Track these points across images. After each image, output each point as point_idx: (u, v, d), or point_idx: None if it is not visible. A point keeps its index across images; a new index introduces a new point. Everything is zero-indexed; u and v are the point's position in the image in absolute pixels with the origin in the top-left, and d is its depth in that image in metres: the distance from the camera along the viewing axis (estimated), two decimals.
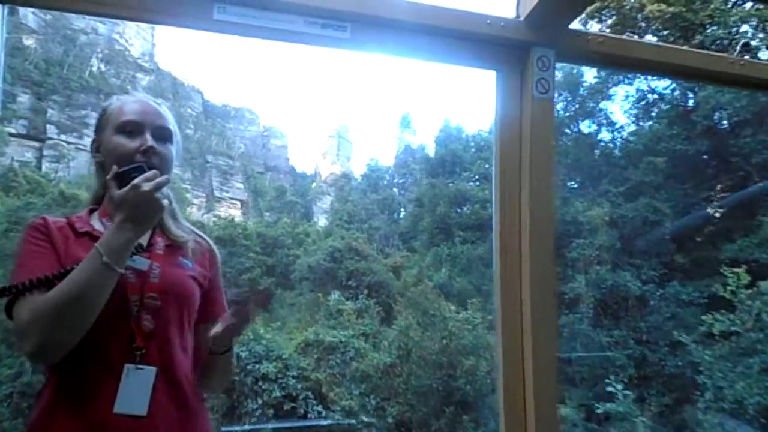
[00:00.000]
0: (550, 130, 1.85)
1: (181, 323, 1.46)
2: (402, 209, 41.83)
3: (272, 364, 13.64)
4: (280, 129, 71.51)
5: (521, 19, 1.79)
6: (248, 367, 13.23)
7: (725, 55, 1.92)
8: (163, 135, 1.51)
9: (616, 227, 16.45)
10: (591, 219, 16.66)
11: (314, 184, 63.85)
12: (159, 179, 1.33)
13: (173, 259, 1.51)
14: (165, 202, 1.37)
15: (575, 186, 21.36)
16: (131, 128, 1.47)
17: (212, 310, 1.60)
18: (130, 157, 1.43)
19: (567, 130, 21.95)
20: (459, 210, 29.47)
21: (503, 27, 1.78)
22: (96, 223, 1.49)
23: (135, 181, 1.31)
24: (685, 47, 1.90)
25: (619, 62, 1.91)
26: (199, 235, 1.66)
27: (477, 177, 31.74)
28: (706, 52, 1.92)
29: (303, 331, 19.27)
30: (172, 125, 1.56)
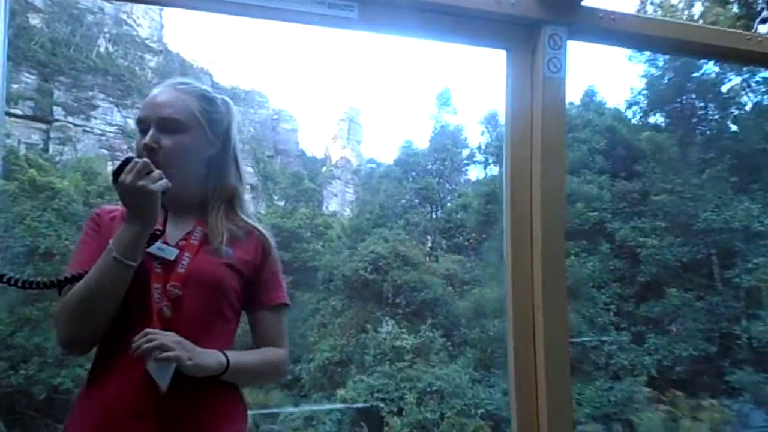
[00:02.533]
0: (562, 109, 1.87)
1: (209, 312, 1.49)
2: (447, 201, 36.64)
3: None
4: (290, 112, 71.48)
5: None
6: None
7: (742, 32, 1.91)
8: (167, 126, 1.49)
9: None
10: None
11: (324, 168, 63.83)
12: (138, 166, 1.34)
13: (209, 248, 1.53)
14: (162, 183, 1.37)
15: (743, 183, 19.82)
16: (142, 126, 1.51)
17: (260, 297, 1.62)
18: (141, 156, 1.44)
19: None
20: None
21: (513, 5, 1.79)
22: None
23: (120, 178, 1.33)
24: (699, 23, 1.90)
25: (633, 40, 1.93)
26: (251, 225, 1.66)
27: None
28: (721, 28, 1.92)
29: (344, 373, 17.14)
30: (186, 113, 1.53)
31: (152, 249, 1.44)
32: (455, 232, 31.97)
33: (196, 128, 1.54)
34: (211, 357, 1.41)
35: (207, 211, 1.58)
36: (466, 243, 31.00)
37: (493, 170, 36.36)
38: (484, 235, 27.71)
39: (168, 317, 1.42)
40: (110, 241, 1.35)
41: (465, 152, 38.17)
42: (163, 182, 1.37)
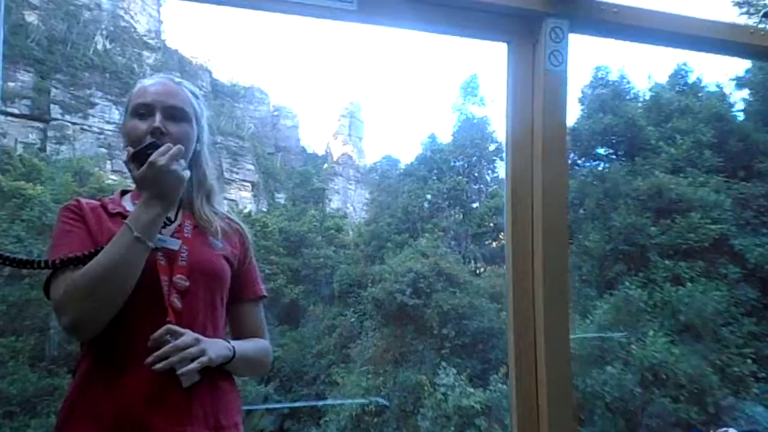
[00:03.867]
0: (564, 103, 1.87)
1: (211, 303, 1.55)
2: (477, 203, 32.46)
3: None
4: (291, 108, 71.56)
5: None
6: None
7: (745, 25, 1.91)
8: (174, 114, 1.56)
9: None
10: None
11: (326, 165, 63.88)
12: (173, 150, 1.40)
13: (202, 240, 1.59)
14: (187, 172, 1.45)
15: None
16: (143, 110, 1.55)
17: (243, 290, 1.69)
18: (141, 140, 1.49)
19: None
20: (654, 221, 16.66)
21: None
22: (128, 205, 1.58)
23: (151, 158, 1.38)
24: (703, 17, 1.90)
25: (635, 33, 1.92)
26: (230, 218, 1.73)
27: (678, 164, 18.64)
28: (725, 21, 1.92)
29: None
30: (189, 104, 1.62)
31: (157, 240, 1.46)
32: (489, 238, 29.25)
33: (192, 121, 1.62)
34: (221, 347, 1.48)
35: (192, 205, 1.64)
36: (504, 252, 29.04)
37: None
38: None
39: (179, 309, 1.45)
40: (126, 222, 1.38)
41: (492, 147, 34.33)
42: (188, 172, 1.45)
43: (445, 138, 35.49)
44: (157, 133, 1.50)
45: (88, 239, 1.45)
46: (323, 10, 1.65)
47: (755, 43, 1.94)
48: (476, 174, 33.47)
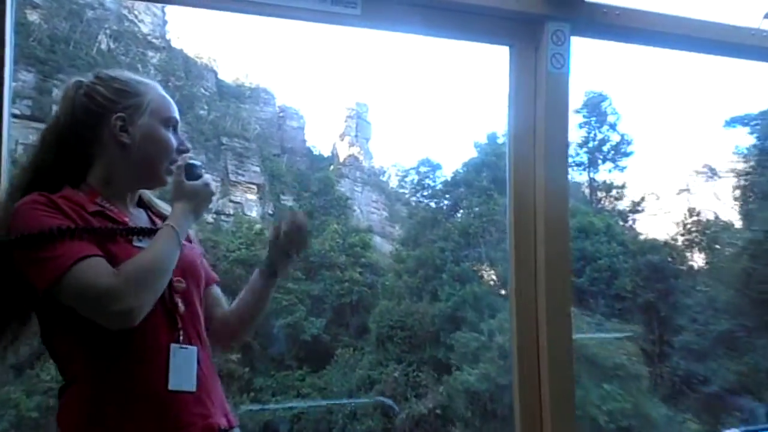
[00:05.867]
0: (566, 105, 1.94)
1: (200, 299, 1.63)
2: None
3: None
4: (297, 109, 71.66)
5: None
6: None
7: (747, 26, 1.98)
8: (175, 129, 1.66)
9: None
10: None
11: (332, 167, 63.87)
12: (217, 184, 1.50)
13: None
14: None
15: None
16: (173, 124, 1.63)
17: (208, 277, 1.76)
18: (170, 152, 1.60)
19: None
20: None
21: (517, 1, 1.86)
22: (107, 204, 1.53)
23: (208, 180, 1.57)
24: (705, 19, 1.96)
25: (637, 35, 1.99)
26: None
27: None
28: (726, 23, 1.98)
29: None
30: None
31: (143, 244, 1.47)
32: (574, 270, 21.16)
33: None
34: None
35: (149, 204, 1.70)
36: (609, 300, 21.51)
37: (605, 175, 29.76)
38: (622, 284, 20.62)
39: (183, 311, 1.52)
40: (172, 226, 1.48)
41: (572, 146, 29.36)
42: None
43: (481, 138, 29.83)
44: (181, 153, 1.62)
45: (72, 224, 1.39)
46: (328, 16, 1.72)
47: (757, 44, 2.01)
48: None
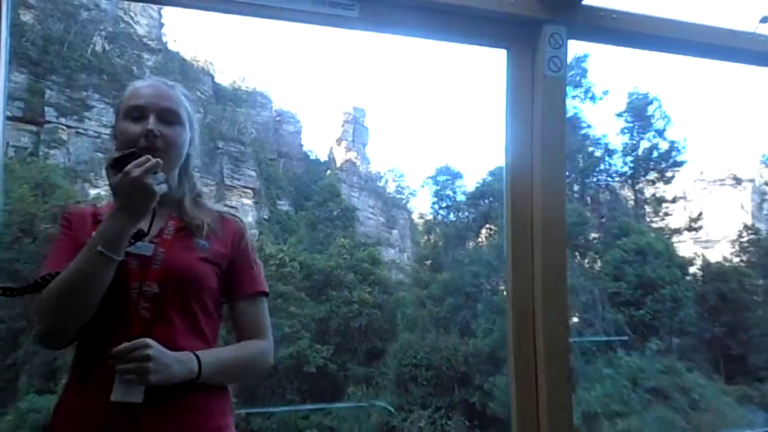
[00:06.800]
0: (563, 108, 1.97)
1: (187, 309, 1.55)
2: (598, 242, 22.39)
3: None
4: (294, 113, 71.80)
5: None
6: None
7: (743, 30, 2.01)
8: (168, 117, 1.60)
9: None
10: None
11: (329, 172, 63.94)
12: (149, 164, 1.41)
13: (185, 243, 1.60)
14: (163, 186, 1.46)
15: None
16: (137, 113, 1.58)
17: (238, 288, 1.68)
18: (134, 142, 1.54)
19: None
20: None
21: (514, 4, 1.89)
22: (105, 211, 1.60)
23: (126, 168, 1.39)
24: (701, 23, 1.99)
25: (634, 39, 2.02)
26: (226, 215, 1.76)
27: None
28: (723, 27, 2.02)
29: None
30: (182, 108, 1.66)
31: (130, 248, 1.49)
32: (633, 300, 19.15)
33: (185, 125, 1.67)
34: (180, 366, 1.44)
35: (179, 207, 1.66)
36: (667, 333, 18.77)
37: (651, 186, 26.17)
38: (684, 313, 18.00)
39: (147, 319, 1.48)
40: (93, 234, 1.42)
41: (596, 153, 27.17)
42: (164, 186, 1.47)
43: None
44: (150, 136, 1.54)
45: (73, 251, 1.47)
46: (326, 18, 1.75)
47: (754, 48, 2.04)
48: (585, 196, 24.04)
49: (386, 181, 69.95)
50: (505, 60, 1.96)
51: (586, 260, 21.03)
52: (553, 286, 1.89)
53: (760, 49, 2.02)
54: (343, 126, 70.54)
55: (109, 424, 1.41)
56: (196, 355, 1.48)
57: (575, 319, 17.81)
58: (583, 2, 1.92)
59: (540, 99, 1.93)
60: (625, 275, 19.81)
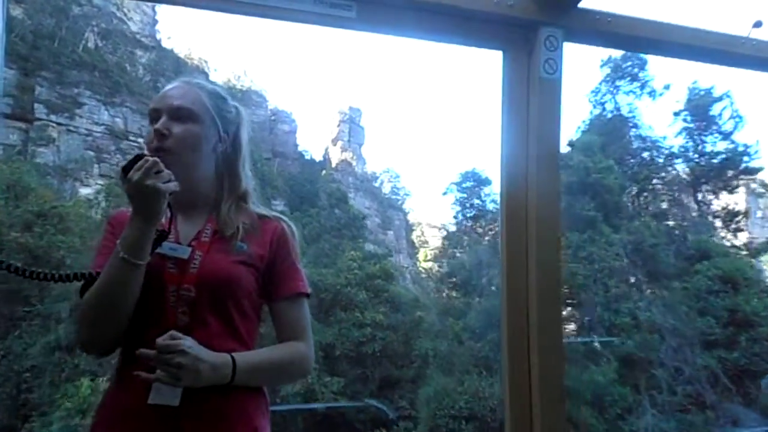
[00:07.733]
0: (558, 110, 2.01)
1: (224, 310, 1.58)
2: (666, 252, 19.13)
3: None
4: (289, 113, 71.73)
5: None
6: None
7: (736, 35, 2.06)
8: (178, 115, 1.62)
9: None
10: None
11: (324, 172, 63.91)
12: (147, 164, 1.42)
13: (222, 245, 1.63)
14: (171, 185, 1.46)
15: None
16: (154, 115, 1.64)
17: (277, 289, 1.70)
18: (150, 144, 1.60)
19: None
20: None
21: (510, 6, 1.93)
22: None
23: (129, 174, 1.42)
24: (696, 26, 2.04)
25: (629, 42, 2.07)
26: (269, 216, 1.77)
27: None
28: (717, 31, 2.06)
29: None
30: (199, 104, 1.67)
31: (164, 250, 1.54)
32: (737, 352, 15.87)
33: (208, 121, 1.68)
34: (213, 373, 1.46)
35: (218, 209, 1.69)
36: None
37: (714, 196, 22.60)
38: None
39: (185, 323, 1.52)
40: (117, 242, 1.46)
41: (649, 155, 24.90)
42: (173, 184, 1.48)
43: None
44: (158, 135, 1.58)
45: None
46: (323, 18, 1.79)
47: (747, 53, 2.09)
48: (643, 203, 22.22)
49: (382, 182, 70.07)
50: (501, 62, 2.00)
51: (665, 291, 17.55)
52: (548, 287, 1.93)
53: (753, 53, 2.07)
54: (339, 126, 70.57)
55: (148, 426, 1.46)
56: (233, 358, 1.51)
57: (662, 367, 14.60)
58: (579, 5, 1.96)
59: (536, 101, 1.97)
60: (711, 309, 16.48)
